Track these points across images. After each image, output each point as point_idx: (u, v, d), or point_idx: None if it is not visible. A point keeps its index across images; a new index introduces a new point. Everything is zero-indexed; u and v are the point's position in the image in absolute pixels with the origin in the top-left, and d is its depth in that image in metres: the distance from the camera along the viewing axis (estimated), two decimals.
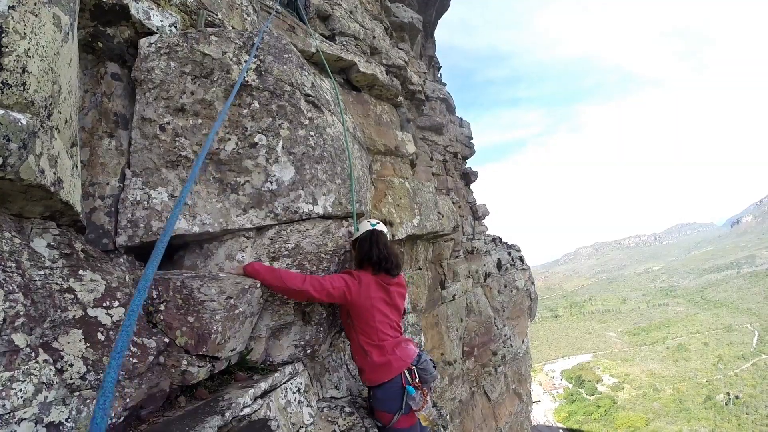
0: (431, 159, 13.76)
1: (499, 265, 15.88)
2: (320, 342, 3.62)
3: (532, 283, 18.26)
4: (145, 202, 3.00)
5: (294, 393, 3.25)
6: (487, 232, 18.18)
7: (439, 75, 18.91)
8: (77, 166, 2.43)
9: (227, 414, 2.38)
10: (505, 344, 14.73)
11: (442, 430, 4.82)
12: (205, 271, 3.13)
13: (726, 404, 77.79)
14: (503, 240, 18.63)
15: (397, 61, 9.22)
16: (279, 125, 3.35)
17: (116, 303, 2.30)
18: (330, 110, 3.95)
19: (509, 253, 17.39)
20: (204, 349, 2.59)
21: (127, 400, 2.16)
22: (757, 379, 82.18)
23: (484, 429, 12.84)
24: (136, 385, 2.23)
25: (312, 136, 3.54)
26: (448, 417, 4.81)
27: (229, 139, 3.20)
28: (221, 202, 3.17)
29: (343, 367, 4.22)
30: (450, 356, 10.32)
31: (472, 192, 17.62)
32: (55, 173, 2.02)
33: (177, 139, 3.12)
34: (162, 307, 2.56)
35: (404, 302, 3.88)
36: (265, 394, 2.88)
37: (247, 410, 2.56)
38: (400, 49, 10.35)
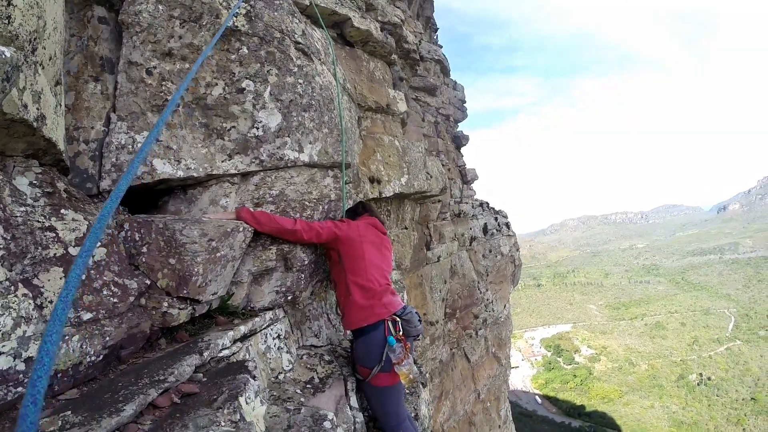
0: (423, 120, 13.67)
1: (485, 230, 15.93)
2: (301, 289, 3.65)
3: (517, 249, 18.37)
4: (130, 146, 2.98)
5: (274, 339, 3.30)
6: (475, 197, 18.18)
7: (435, 37, 18.61)
8: (61, 105, 2.40)
9: (205, 354, 2.41)
10: (487, 308, 14.89)
11: (421, 387, 4.91)
12: (189, 216, 3.13)
13: (698, 384, 79.59)
14: (491, 205, 18.66)
15: (392, 18, 9.06)
16: (267, 71, 3.32)
17: (98, 243, 2.30)
18: (320, 59, 3.92)
19: (496, 219, 17.44)
20: (185, 291, 2.61)
21: (107, 338, 2.17)
22: (730, 364, 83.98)
23: (463, 390, 13.05)
24: (116, 324, 2.25)
25: (300, 83, 3.51)
26: (427, 375, 4.90)
27: (216, 84, 3.17)
28: (207, 147, 3.16)
29: (324, 317, 4.27)
30: (432, 317, 10.43)
31: (463, 156, 17.55)
32: (38, 109, 1.99)
33: (163, 83, 3.08)
34: (144, 250, 2.56)
35: (391, 258, 3.92)
36: (244, 338, 2.92)
37: (225, 352, 2.60)
38: (397, 7, 10.16)
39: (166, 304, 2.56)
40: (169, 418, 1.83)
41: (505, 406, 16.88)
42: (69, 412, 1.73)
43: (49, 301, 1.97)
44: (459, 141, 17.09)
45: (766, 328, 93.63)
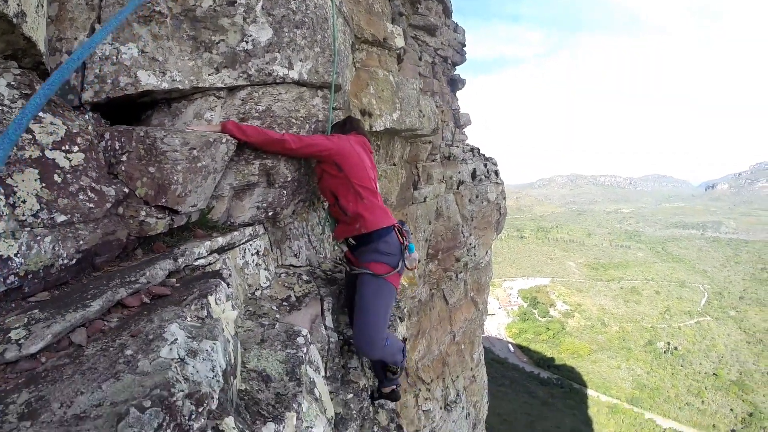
0: (420, 59, 13.42)
1: (473, 175, 15.90)
2: (283, 205, 3.63)
3: (504, 198, 18.39)
4: (114, 57, 2.89)
5: (252, 255, 3.30)
6: (467, 142, 18.09)
7: None
8: (42, 6, 2.30)
9: (180, 260, 2.41)
10: (469, 252, 15.02)
11: (398, 320, 4.98)
12: (172, 128, 3.07)
13: (664, 352, 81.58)
14: (481, 152, 18.60)
15: None
16: None
17: (76, 148, 2.24)
18: None
19: (485, 165, 17.40)
20: (163, 200, 2.59)
21: (81, 242, 2.14)
22: (698, 337, 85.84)
23: (439, 330, 13.30)
24: (91, 229, 2.22)
25: None
26: (405, 311, 4.97)
27: None
28: (194, 60, 3.07)
29: (305, 237, 4.27)
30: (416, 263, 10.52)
31: (458, 99, 17.35)
32: (18, 5, 1.91)
33: None
34: (124, 158, 2.52)
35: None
36: (222, 251, 2.91)
37: (201, 261, 2.60)
38: None
39: (143, 212, 2.54)
40: (136, 316, 1.84)
41: (478, 350, 17.28)
42: (36, 311, 1.73)
43: (22, 201, 1.93)
44: (455, 84, 16.86)
45: (737, 309, 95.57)
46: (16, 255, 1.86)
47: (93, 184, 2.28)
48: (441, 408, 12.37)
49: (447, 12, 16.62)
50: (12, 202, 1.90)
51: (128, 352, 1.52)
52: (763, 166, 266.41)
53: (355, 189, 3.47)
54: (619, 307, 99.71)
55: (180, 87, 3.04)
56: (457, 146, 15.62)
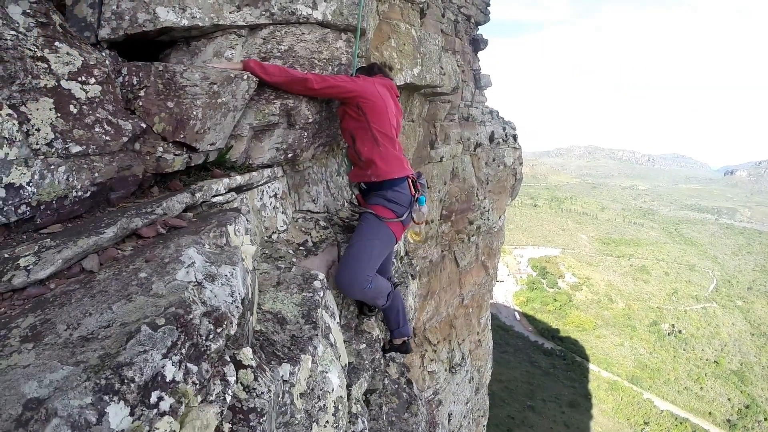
0: (443, 16, 13.11)
1: (491, 138, 15.70)
2: (303, 148, 3.54)
3: (521, 163, 18.18)
4: None
5: (270, 197, 3.25)
6: (486, 104, 17.84)
7: None
8: None
9: (197, 195, 2.36)
10: (482, 216, 14.94)
11: (410, 278, 4.96)
12: (193, 65, 2.99)
13: (668, 335, 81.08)
14: (500, 114, 18.32)
15: None
16: None
17: (92, 80, 2.16)
18: None
19: (504, 129, 17.16)
20: (181, 136, 2.51)
21: (96, 174, 2.09)
22: (702, 323, 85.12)
23: (449, 292, 13.33)
24: (107, 162, 2.16)
25: None
26: (417, 269, 4.94)
27: None
28: None
29: (324, 183, 4.20)
30: (428, 216, 10.49)
31: (479, 60, 17.03)
32: None
33: None
34: (142, 93, 2.45)
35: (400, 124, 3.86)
36: (240, 190, 2.86)
37: (219, 198, 2.54)
38: None
39: (161, 149, 2.47)
40: (152, 244, 1.79)
41: (486, 315, 17.36)
42: (48, 240, 1.69)
43: (36, 129, 1.87)
44: (477, 44, 16.50)
45: (744, 298, 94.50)
46: (28, 184, 1.81)
47: (110, 117, 2.21)
48: (446, 370, 12.48)
49: None
50: (26, 130, 1.84)
51: (142, 275, 1.47)
52: None
53: (373, 133, 3.40)
54: (627, 285, 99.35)
55: (200, 24, 2.95)
56: (476, 107, 15.37)
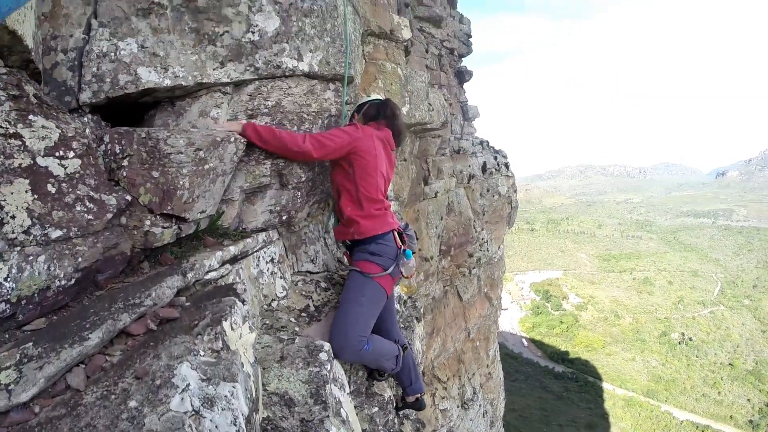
0: (426, 51, 13.24)
1: (484, 168, 15.70)
2: (297, 208, 3.40)
3: (515, 191, 18.17)
4: (113, 54, 2.68)
5: (267, 263, 3.10)
6: (476, 134, 17.90)
7: None
8: None
9: (189, 275, 2.20)
10: (481, 247, 14.84)
11: (415, 321, 4.79)
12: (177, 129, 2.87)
13: (679, 343, 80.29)
14: (491, 144, 18.39)
15: None
16: None
17: (71, 153, 2.02)
18: None
19: (495, 158, 17.18)
20: (169, 207, 2.37)
21: (79, 259, 1.94)
22: (712, 327, 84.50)
23: (454, 327, 13.15)
24: (91, 243, 2.01)
25: None
26: (422, 310, 4.75)
27: None
28: (197, 54, 2.86)
29: (321, 241, 4.05)
30: (427, 253, 10.35)
31: (465, 91, 17.18)
32: None
33: None
34: (125, 163, 2.31)
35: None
36: (234, 260, 2.70)
37: (212, 274, 2.39)
38: None
39: (148, 222, 2.33)
40: (142, 347, 1.62)
41: (493, 347, 17.12)
42: (30, 344, 1.53)
43: (11, 216, 1.73)
44: (462, 76, 16.67)
45: (751, 297, 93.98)
46: (5, 279, 1.67)
47: (91, 193, 2.07)
48: (458, 407, 12.22)
49: (452, 2, 16.40)
50: (0, 218, 1.70)
51: (132, 403, 1.31)
52: None
53: (358, 196, 3.30)
54: (632, 299, 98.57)
55: (183, 84, 2.83)
56: (467, 139, 15.42)
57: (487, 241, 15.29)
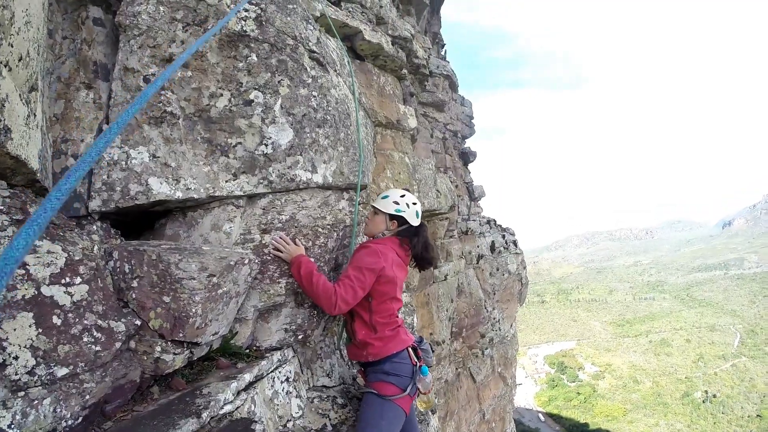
0: (431, 136, 13.48)
1: (492, 248, 15.66)
2: (314, 327, 3.29)
3: (524, 267, 18.09)
4: (123, 163, 2.67)
5: (282, 382, 2.95)
6: (482, 214, 17.97)
7: (443, 53, 18.49)
8: (36, 115, 2.06)
9: (204, 415, 2.06)
10: (493, 327, 14.61)
11: (431, 414, 4.59)
12: (188, 242, 2.80)
13: (703, 402, 78.56)
14: (498, 223, 18.42)
15: (403, 32, 8.82)
16: (278, 82, 2.98)
17: (78, 279, 1.95)
18: (336, 70, 3.58)
19: (503, 236, 17.17)
20: (181, 335, 2.27)
21: (87, 396, 1.84)
22: (736, 380, 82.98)
23: (468, 410, 12.78)
24: (99, 377, 1.91)
25: (315, 96, 3.17)
26: (436, 400, 4.56)
27: (221, 95, 2.84)
28: (209, 166, 2.84)
29: (336, 354, 3.90)
30: (439, 336, 10.15)
31: (470, 172, 17.36)
32: (0, 120, 1.67)
33: (162, 92, 2.76)
34: (135, 284, 2.24)
35: None
36: (249, 386, 2.57)
37: (228, 407, 2.25)
38: (406, 22, 9.94)
39: (159, 348, 2.23)
40: None
41: (510, 427, 16.56)
42: None
43: (13, 357, 1.64)
44: (467, 157, 16.88)
45: None
46: (9, 427, 1.57)
47: (99, 321, 1.98)
48: None
49: (453, 86, 16.83)
50: (1, 360, 1.60)
51: None
52: None
53: (372, 323, 3.19)
54: (650, 362, 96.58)
55: (195, 196, 2.80)
56: (474, 219, 15.44)
57: (498, 320, 15.05)
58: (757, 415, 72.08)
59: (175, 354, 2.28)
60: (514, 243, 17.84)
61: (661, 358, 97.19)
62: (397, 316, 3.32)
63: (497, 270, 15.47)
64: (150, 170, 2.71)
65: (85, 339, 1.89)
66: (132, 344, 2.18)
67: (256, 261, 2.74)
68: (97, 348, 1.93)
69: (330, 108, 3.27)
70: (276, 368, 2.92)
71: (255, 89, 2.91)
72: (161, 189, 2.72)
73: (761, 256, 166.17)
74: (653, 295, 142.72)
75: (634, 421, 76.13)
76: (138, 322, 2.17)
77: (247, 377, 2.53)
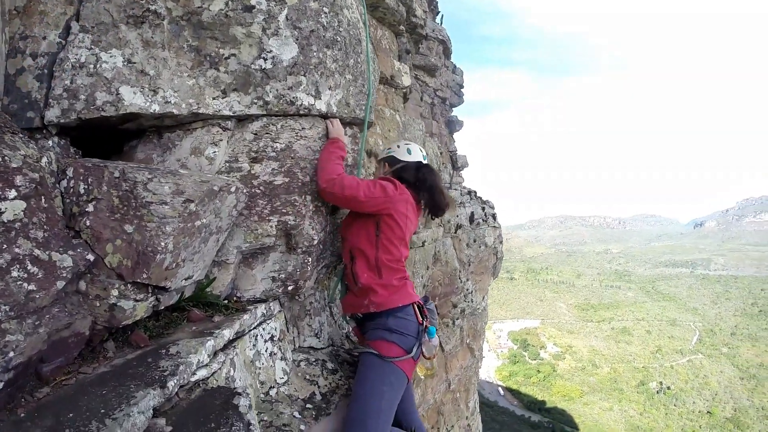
0: (421, 99, 13.09)
1: (471, 219, 15.43)
2: (306, 276, 2.81)
3: (501, 242, 17.93)
4: (92, 66, 2.20)
5: (265, 341, 2.52)
6: (464, 184, 17.72)
7: (438, 21, 18.00)
8: None
9: (171, 383, 1.61)
10: (466, 298, 14.45)
11: None
12: (162, 166, 2.34)
13: (657, 392, 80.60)
14: (478, 195, 18.20)
15: None
16: None
17: (12, 193, 1.49)
18: None
19: (483, 209, 16.94)
20: (145, 276, 1.81)
21: (10, 354, 1.38)
22: (690, 375, 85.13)
23: (434, 379, 12.68)
24: (30, 327, 1.45)
25: (325, 12, 2.69)
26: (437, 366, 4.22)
27: None
28: (194, 78, 2.38)
29: (326, 311, 3.45)
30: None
31: (454, 141, 17.07)
32: None
33: None
34: (90, 208, 1.78)
35: None
36: (228, 345, 2.13)
37: (202, 372, 1.82)
38: None
39: (116, 292, 1.77)
40: None
41: (473, 398, 16.62)
42: None
43: None
44: (453, 126, 16.61)
45: (729, 345, 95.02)
46: None
47: (37, 252, 1.51)
48: None
49: (447, 53, 16.38)
50: None
51: None
52: (750, 202, 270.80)
53: (377, 263, 2.81)
54: (610, 348, 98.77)
55: (175, 111, 2.35)
56: (456, 189, 15.17)
57: (471, 291, 14.90)
58: (708, 412, 74.39)
59: (136, 300, 1.83)
60: (493, 216, 17.66)
61: (621, 346, 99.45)
62: (404, 267, 2.94)
63: (474, 241, 15.28)
64: (123, 77, 2.25)
65: (13, 273, 1.44)
66: (81, 285, 1.73)
67: (244, 191, 2.30)
68: (31, 287, 1.47)
69: (341, 29, 2.79)
70: (259, 324, 2.48)
71: None
72: (134, 100, 2.26)
73: (728, 259, 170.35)
74: (619, 283, 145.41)
75: (589, 404, 78.13)
76: (91, 257, 1.71)
77: (227, 334, 2.09)
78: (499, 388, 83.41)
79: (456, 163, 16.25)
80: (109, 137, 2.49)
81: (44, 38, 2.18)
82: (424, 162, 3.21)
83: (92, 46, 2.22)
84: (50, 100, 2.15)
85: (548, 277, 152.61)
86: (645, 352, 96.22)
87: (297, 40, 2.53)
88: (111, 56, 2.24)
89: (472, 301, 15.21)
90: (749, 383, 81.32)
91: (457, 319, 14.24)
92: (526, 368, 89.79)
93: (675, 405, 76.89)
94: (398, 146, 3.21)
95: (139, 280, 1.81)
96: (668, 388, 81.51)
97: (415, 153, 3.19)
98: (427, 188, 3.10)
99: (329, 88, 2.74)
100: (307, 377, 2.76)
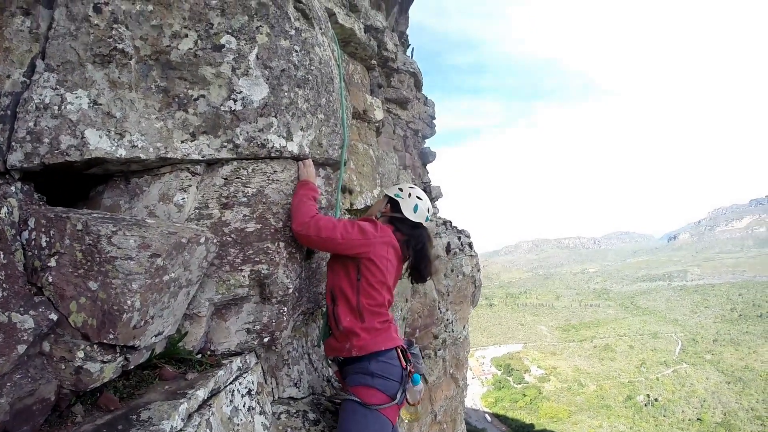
0: (393, 132, 13.20)
1: (448, 249, 15.44)
2: (282, 327, 2.70)
3: (479, 270, 17.99)
4: (56, 108, 2.12)
5: (243, 396, 2.39)
6: (439, 215, 17.83)
7: (409, 52, 18.27)
8: None
9: None
10: (446, 329, 14.38)
11: None
12: (129, 214, 2.24)
13: (645, 405, 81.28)
14: (453, 224, 18.31)
15: (375, 23, 8.46)
16: (257, 28, 2.46)
17: None
18: (321, 29, 3.04)
19: (459, 238, 16.98)
20: (111, 336, 1.70)
21: None
22: (676, 385, 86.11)
23: (420, 411, 12.53)
24: None
25: (297, 51, 2.64)
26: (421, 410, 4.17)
27: (186, 36, 2.31)
28: (162, 120, 2.30)
29: (305, 358, 3.32)
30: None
31: (428, 172, 17.20)
32: None
33: (115, 26, 2.22)
34: (52, 263, 1.68)
35: None
36: (203, 405, 2.01)
37: None
38: (378, 14, 9.59)
39: (81, 354, 1.66)
40: None
41: (461, 428, 16.40)
42: None
43: None
44: (426, 157, 16.71)
45: (712, 352, 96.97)
46: None
47: None
48: None
49: (418, 85, 16.58)
50: None
51: None
52: (721, 212, 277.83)
53: (358, 307, 2.72)
54: (594, 366, 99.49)
55: (142, 156, 2.26)
56: (431, 220, 15.23)
57: (452, 321, 14.84)
58: (698, 419, 75.16)
59: (103, 362, 1.71)
60: (470, 245, 17.70)
61: (605, 363, 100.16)
62: (388, 310, 2.85)
63: (452, 271, 15.27)
64: (88, 119, 2.17)
65: None
66: (45, 346, 1.62)
67: (214, 241, 2.20)
68: None
69: (313, 68, 2.75)
70: (235, 378, 2.36)
71: (228, 33, 2.39)
72: (100, 144, 2.18)
73: (704, 269, 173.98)
74: (599, 302, 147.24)
75: (578, 423, 78.11)
76: (54, 317, 1.61)
77: (201, 394, 1.97)
78: (486, 415, 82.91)
79: (430, 194, 16.31)
80: (75, 183, 2.39)
81: (8, 77, 2.08)
82: (424, 223, 3.14)
83: (57, 86, 2.14)
84: (13, 143, 2.04)
85: (527, 300, 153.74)
86: (629, 366, 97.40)
87: (268, 80, 2.48)
88: (77, 97, 2.16)
89: (453, 331, 15.13)
90: (736, 386, 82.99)
91: (439, 350, 14.14)
92: (512, 393, 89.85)
93: (664, 416, 77.72)
94: (408, 195, 3.09)
95: (105, 341, 1.69)
96: (656, 399, 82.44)
97: (419, 214, 3.09)
98: (416, 251, 3.03)
99: (301, 129, 2.68)
100: (289, 430, 2.63)
